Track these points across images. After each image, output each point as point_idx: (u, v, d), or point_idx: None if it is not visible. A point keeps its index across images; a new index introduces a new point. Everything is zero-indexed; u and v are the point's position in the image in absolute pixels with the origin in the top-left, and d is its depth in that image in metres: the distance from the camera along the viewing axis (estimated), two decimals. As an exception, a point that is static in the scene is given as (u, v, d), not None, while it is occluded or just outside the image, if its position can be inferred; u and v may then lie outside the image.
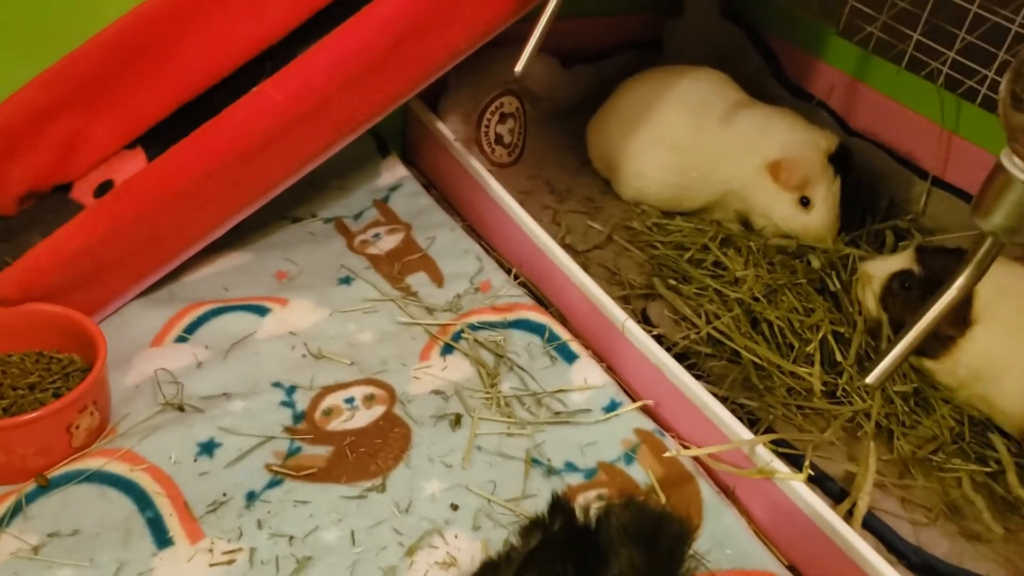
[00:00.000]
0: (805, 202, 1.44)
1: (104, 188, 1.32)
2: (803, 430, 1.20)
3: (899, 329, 1.15)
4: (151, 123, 1.34)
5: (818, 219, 1.45)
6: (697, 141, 1.54)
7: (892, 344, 0.81)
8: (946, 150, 1.58)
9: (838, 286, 1.38)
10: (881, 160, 1.66)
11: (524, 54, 1.26)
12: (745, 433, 1.11)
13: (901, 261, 1.23)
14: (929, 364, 1.22)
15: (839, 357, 1.29)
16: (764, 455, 1.08)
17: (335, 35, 1.26)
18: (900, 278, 1.21)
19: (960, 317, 1.08)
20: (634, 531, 0.91)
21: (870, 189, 1.63)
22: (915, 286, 1.20)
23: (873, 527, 1.07)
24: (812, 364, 1.27)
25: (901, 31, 1.44)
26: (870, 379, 0.81)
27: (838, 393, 1.25)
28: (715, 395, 1.15)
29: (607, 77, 1.81)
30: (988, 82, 1.32)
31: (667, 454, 1.16)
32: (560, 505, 1.00)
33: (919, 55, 1.41)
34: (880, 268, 1.26)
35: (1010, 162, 0.76)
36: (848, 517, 1.05)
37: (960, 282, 0.80)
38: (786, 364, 1.25)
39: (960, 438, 1.20)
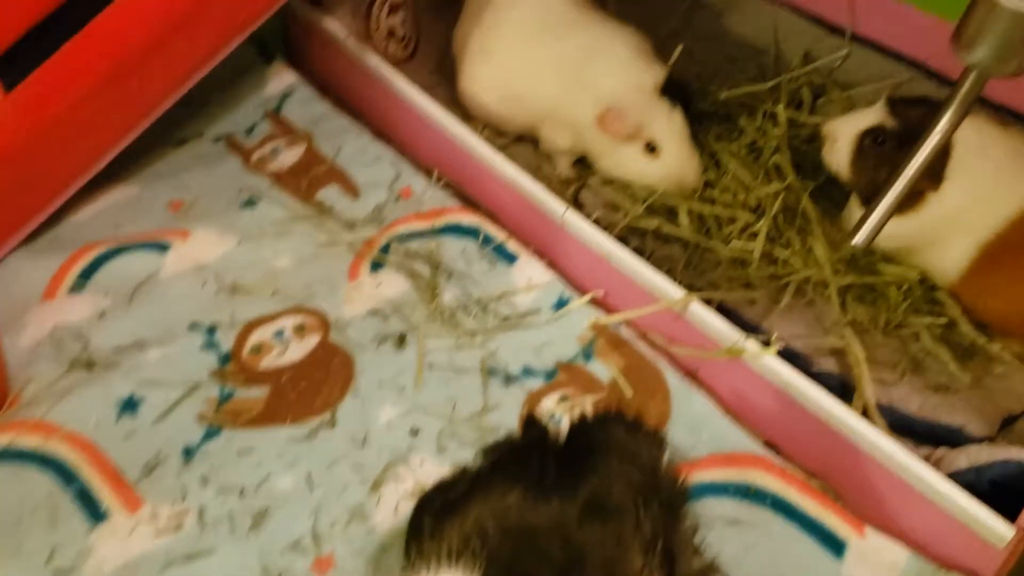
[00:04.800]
0: (653, 148, 1.26)
1: (-48, 128, 1.14)
2: (752, 303, 1.17)
3: (873, 191, 1.10)
4: (4, 45, 1.15)
5: (670, 161, 1.26)
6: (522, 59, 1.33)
7: (877, 200, 0.76)
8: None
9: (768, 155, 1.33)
10: (786, 18, 1.61)
11: None
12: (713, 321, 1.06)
13: (870, 117, 1.14)
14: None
15: (781, 224, 1.25)
16: (730, 334, 1.04)
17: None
18: (872, 135, 1.13)
19: (935, 170, 1.00)
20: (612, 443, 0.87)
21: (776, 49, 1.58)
22: (889, 141, 1.12)
23: (845, 393, 1.05)
24: (754, 235, 1.23)
25: None
26: (858, 239, 0.76)
27: (784, 260, 1.21)
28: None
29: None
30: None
31: (599, 321, 1.13)
32: (533, 424, 0.95)
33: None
34: (847, 127, 1.17)
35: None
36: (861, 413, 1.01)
37: (945, 121, 0.75)
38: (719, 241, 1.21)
39: (909, 294, 1.19)
